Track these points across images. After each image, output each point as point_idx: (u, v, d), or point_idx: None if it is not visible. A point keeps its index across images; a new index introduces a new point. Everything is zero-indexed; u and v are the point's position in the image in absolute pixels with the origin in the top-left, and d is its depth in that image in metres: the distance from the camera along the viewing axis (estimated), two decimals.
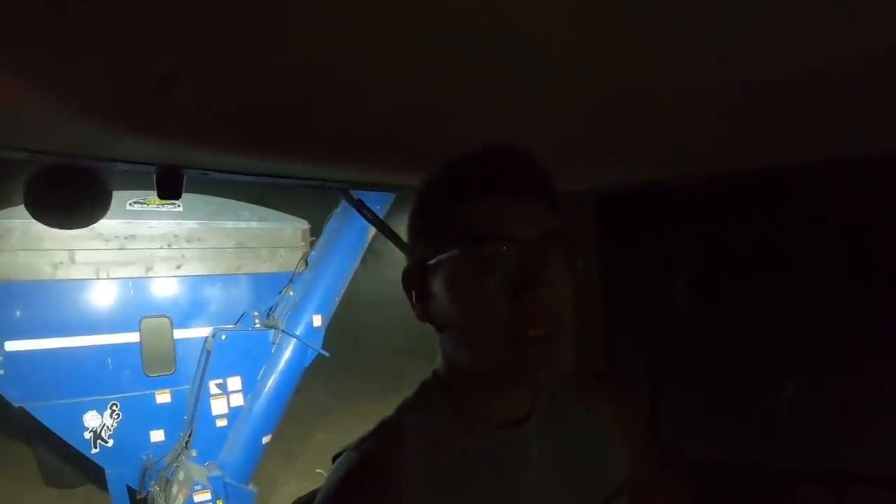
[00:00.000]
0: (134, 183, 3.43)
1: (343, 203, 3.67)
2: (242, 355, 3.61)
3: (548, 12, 0.41)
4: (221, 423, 3.55)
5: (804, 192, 1.27)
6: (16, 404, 3.40)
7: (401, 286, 0.63)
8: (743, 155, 1.02)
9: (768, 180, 1.23)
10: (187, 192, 0.96)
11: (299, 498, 0.94)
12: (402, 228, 0.72)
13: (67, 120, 0.66)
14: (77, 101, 0.60)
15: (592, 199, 1.39)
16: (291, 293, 3.71)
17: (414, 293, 0.62)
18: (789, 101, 0.66)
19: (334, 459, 0.62)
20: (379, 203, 3.01)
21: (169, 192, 0.94)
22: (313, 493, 0.93)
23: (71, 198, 0.90)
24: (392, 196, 3.21)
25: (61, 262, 3.56)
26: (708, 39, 0.47)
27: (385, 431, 0.63)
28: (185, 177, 0.95)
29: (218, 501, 3.32)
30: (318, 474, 3.74)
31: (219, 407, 3.55)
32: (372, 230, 3.67)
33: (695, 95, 0.63)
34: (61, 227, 0.96)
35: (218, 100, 0.61)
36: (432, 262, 0.58)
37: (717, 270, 1.51)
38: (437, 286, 0.59)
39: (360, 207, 1.47)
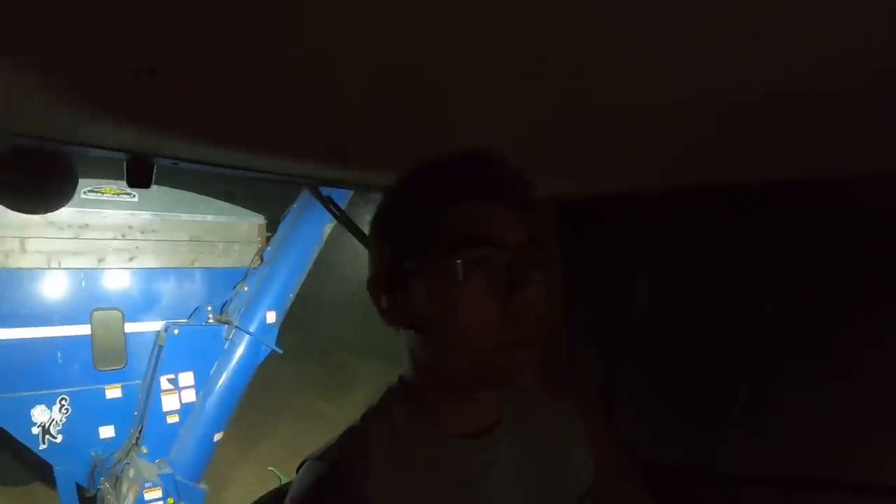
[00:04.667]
0: (90, 171, 3.32)
1: (300, 199, 3.61)
2: (195, 351, 3.55)
3: (518, 22, 0.43)
4: (173, 419, 3.49)
5: (762, 204, 1.32)
6: None
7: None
8: (704, 169, 1.06)
9: (728, 192, 1.28)
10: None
11: (260, 498, 0.93)
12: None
13: (39, 100, 0.65)
14: (53, 83, 0.59)
15: (556, 207, 1.42)
16: (246, 289, 3.65)
17: (384, 297, 0.60)
18: (753, 120, 0.68)
19: (298, 468, 0.61)
20: (339, 199, 2.95)
21: (139, 180, 0.92)
22: (274, 493, 0.93)
23: (37, 182, 0.88)
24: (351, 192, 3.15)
25: (12, 250, 3.44)
26: (676, 56, 0.49)
27: (350, 439, 0.62)
28: (155, 166, 0.94)
29: (169, 500, 3.27)
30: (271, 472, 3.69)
31: (170, 403, 3.48)
32: (329, 227, 3.61)
33: (661, 110, 0.66)
34: (25, 211, 0.95)
35: (196, 90, 0.62)
36: (412, 265, 0.57)
37: (674, 280, 1.54)
38: (416, 289, 0.57)
39: (328, 204, 1.46)
